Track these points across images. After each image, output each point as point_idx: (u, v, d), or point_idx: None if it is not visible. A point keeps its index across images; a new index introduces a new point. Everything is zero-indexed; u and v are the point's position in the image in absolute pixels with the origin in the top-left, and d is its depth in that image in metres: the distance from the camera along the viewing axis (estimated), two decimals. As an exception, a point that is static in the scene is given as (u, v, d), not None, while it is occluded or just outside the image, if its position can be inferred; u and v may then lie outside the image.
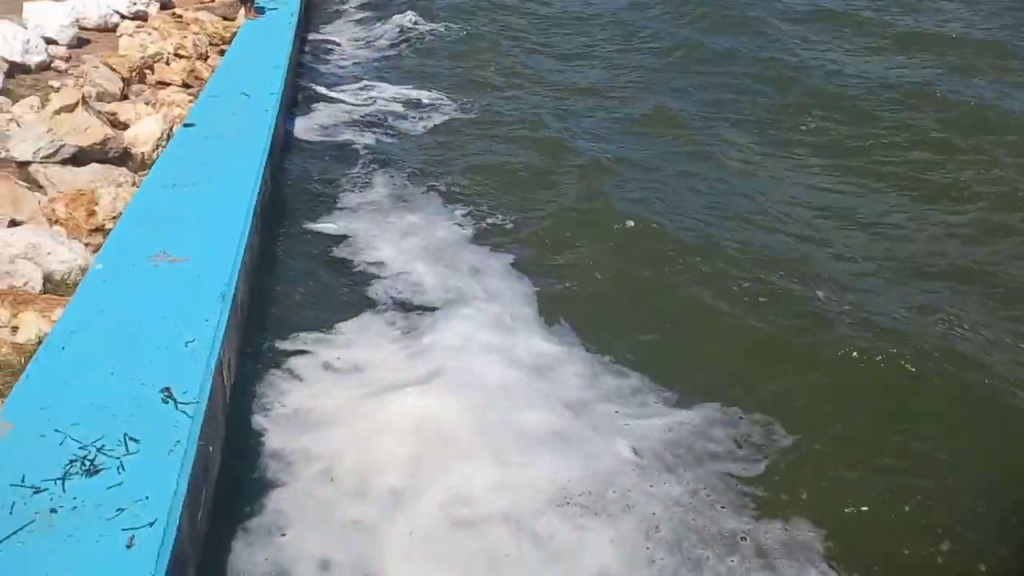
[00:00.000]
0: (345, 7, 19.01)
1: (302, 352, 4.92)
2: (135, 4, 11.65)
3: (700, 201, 7.97)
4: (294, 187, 7.71)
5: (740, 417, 4.59)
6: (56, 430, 3.11)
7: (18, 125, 6.83)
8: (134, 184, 6.14)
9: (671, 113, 10.39)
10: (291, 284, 5.84)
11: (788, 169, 8.89)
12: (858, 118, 10.36)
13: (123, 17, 11.33)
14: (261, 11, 12.05)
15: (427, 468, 4.06)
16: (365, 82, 12.04)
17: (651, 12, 18.64)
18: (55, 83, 8.36)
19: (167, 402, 3.36)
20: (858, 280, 6.35)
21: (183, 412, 3.30)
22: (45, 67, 8.84)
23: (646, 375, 4.97)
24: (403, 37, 15.67)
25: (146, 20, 11.49)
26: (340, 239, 6.58)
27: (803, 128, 10.08)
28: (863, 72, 12.62)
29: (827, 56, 13.65)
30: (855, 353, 5.17)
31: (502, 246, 6.70)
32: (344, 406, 4.46)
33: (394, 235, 6.65)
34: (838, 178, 8.60)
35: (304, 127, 9.52)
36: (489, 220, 7.21)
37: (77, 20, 10.25)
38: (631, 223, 7.26)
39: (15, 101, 7.44)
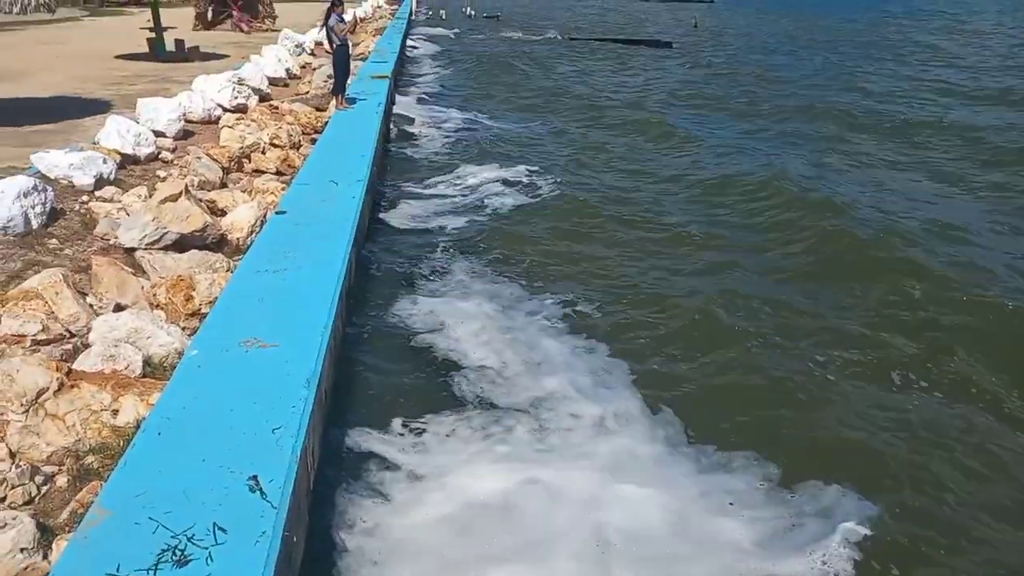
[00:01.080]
0: (428, 95, 19.97)
1: (382, 443, 4.97)
2: (236, 98, 12.51)
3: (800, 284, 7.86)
4: (379, 272, 7.94)
5: (845, 500, 4.51)
6: (150, 518, 3.19)
7: (127, 213, 7.33)
8: (229, 269, 6.44)
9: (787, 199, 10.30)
10: (373, 372, 5.94)
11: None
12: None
13: (225, 110, 12.17)
14: (352, 101, 12.75)
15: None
16: (448, 164, 12.51)
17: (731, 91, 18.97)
18: (161, 173, 8.98)
19: (254, 491, 3.42)
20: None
21: (269, 502, 3.34)
22: (153, 158, 9.51)
23: (752, 461, 4.92)
24: (480, 124, 16.36)
25: (246, 112, 12.30)
26: (421, 326, 6.68)
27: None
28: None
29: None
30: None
31: (591, 335, 6.62)
32: (424, 517, 4.39)
33: (476, 323, 6.69)
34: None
35: (389, 212, 9.88)
36: (576, 307, 7.20)
37: (184, 114, 11.05)
38: (721, 305, 7.27)
39: (125, 191, 8.00)
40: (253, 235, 7.19)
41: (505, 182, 11.42)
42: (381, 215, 9.72)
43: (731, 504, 4.45)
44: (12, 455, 4.15)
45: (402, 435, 5.09)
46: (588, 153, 13.85)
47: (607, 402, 5.57)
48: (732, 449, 5.05)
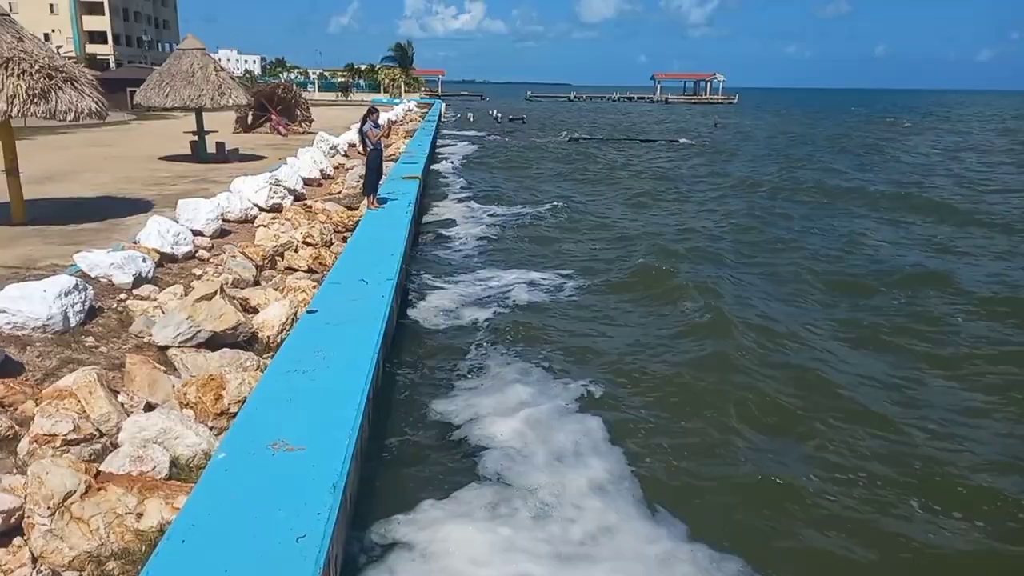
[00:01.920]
0: (457, 194, 20.52)
1: (405, 545, 4.86)
2: (272, 198, 12.94)
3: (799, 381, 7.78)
4: (407, 370, 7.94)
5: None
6: (169, 633, 3.11)
7: (162, 311, 7.48)
8: (259, 368, 6.49)
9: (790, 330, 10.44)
10: (399, 471, 5.86)
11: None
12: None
13: (261, 209, 12.58)
14: (383, 201, 13.13)
15: None
16: (475, 263, 12.70)
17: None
18: (197, 271, 9.21)
19: (276, 606, 3.32)
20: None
21: (291, 618, 3.24)
22: (190, 256, 9.78)
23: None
24: (509, 220, 16.71)
25: (281, 211, 12.69)
26: (449, 423, 6.66)
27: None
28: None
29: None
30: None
31: (614, 428, 6.64)
32: None
33: (505, 420, 6.67)
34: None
35: (418, 309, 9.97)
36: (600, 400, 7.22)
37: (222, 214, 11.42)
38: (737, 398, 7.30)
39: (162, 289, 8.20)
40: (284, 333, 7.27)
41: (529, 279, 11.62)
42: (410, 312, 9.82)
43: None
44: (35, 559, 4.09)
45: (426, 535, 4.99)
46: (611, 251, 14.12)
47: (616, 499, 5.58)
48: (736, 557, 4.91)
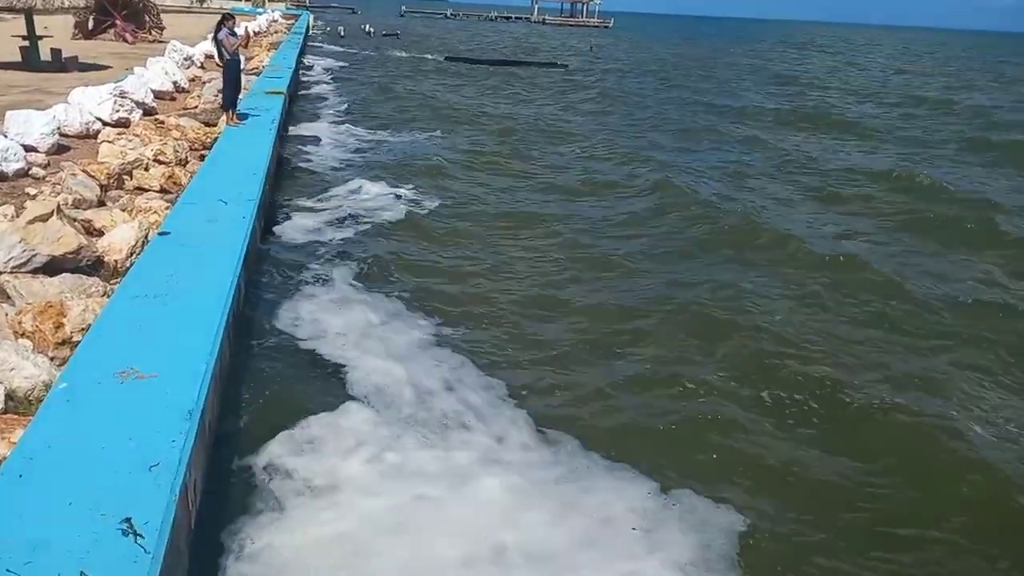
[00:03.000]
0: (324, 112, 19.64)
1: (268, 469, 4.81)
2: (118, 112, 11.87)
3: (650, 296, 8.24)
4: (272, 292, 7.68)
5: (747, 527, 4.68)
6: (8, 570, 2.92)
7: (-10, 234, 6.77)
8: (105, 294, 6.06)
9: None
10: (260, 395, 5.70)
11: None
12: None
13: (105, 124, 11.52)
14: (243, 117, 12.34)
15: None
16: (341, 183, 12.34)
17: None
18: (31, 190, 8.37)
19: (127, 535, 3.19)
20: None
21: (142, 547, 3.13)
22: (22, 174, 8.87)
23: (627, 469, 5.09)
24: (377, 140, 16.27)
25: (128, 127, 11.67)
26: (311, 346, 6.57)
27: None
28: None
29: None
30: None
31: (466, 349, 6.77)
32: (312, 538, 4.29)
33: (367, 341, 6.68)
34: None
35: (284, 230, 9.61)
36: (451, 319, 7.38)
37: (59, 128, 10.37)
38: (592, 317, 7.64)
39: (-11, 210, 7.40)
40: (133, 257, 6.80)
41: (397, 197, 11.60)
42: (275, 233, 9.44)
43: (634, 529, 4.53)
44: None
45: (288, 455, 4.97)
46: (476, 167, 14.32)
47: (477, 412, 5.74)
48: (620, 462, 5.21)
